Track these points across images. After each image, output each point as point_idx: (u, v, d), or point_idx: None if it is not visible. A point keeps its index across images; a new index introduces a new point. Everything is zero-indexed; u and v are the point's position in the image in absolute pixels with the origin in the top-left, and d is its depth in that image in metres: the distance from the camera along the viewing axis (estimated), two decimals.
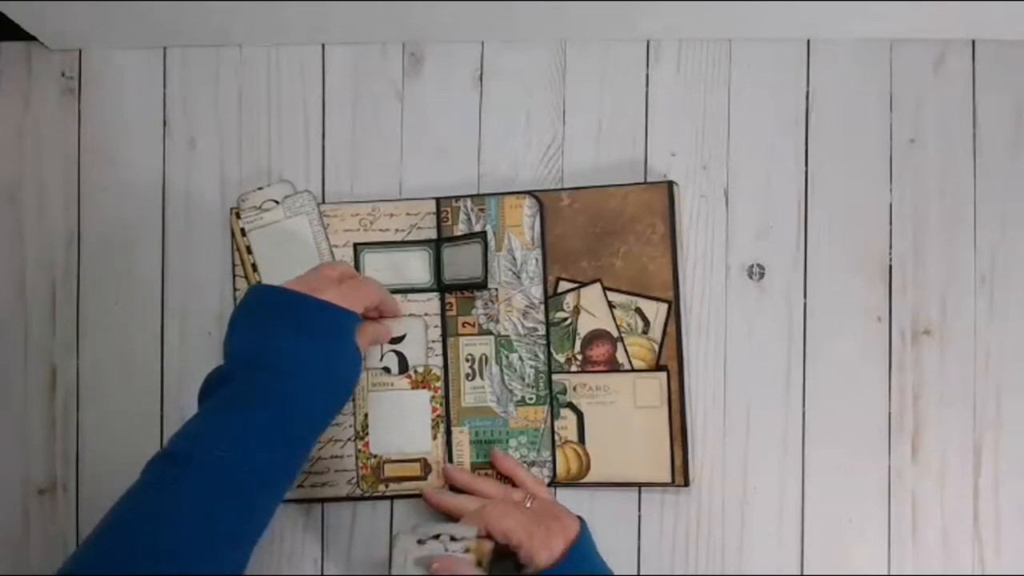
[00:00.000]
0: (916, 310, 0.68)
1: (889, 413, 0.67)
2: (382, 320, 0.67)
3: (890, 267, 0.68)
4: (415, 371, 0.69)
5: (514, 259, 0.67)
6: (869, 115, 0.69)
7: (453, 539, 0.60)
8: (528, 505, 0.63)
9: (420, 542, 0.60)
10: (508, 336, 0.67)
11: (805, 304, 0.68)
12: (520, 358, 0.67)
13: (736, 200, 0.69)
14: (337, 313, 0.59)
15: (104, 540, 0.52)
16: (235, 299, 0.70)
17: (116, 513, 0.53)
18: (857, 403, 0.68)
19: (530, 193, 0.67)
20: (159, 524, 0.52)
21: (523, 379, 0.67)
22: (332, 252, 0.69)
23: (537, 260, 0.67)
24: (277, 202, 0.70)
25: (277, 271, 0.69)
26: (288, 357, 0.56)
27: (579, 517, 0.63)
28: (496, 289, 0.67)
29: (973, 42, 0.69)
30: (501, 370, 0.67)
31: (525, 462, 0.67)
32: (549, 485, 0.67)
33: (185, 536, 0.52)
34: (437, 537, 0.60)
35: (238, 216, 0.69)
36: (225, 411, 0.56)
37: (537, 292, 0.67)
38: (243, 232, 0.69)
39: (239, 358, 0.58)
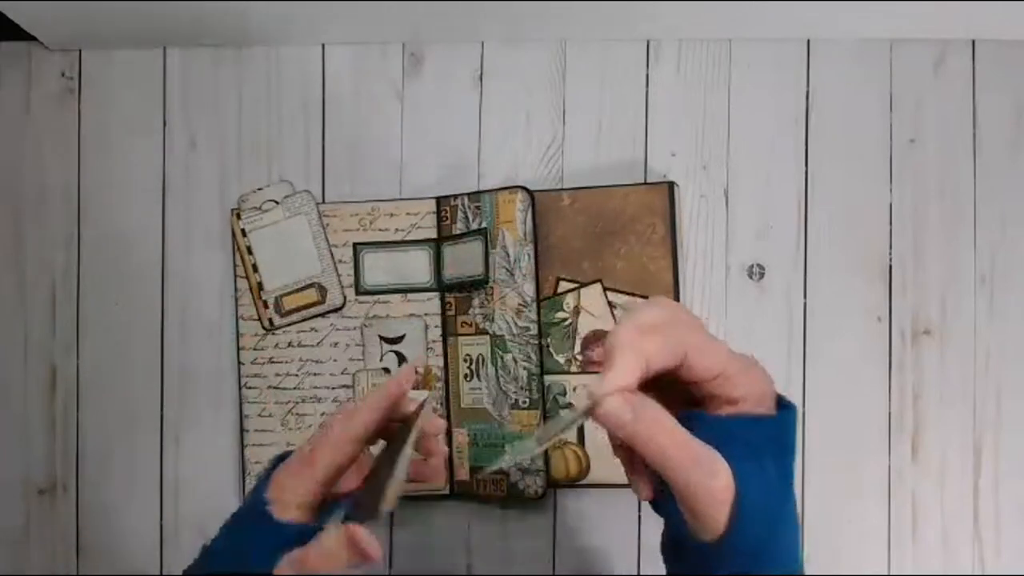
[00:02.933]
0: (916, 310, 0.68)
1: (889, 413, 0.67)
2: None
3: (890, 267, 0.68)
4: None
5: (508, 255, 0.67)
6: (869, 115, 0.69)
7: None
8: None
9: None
10: (502, 336, 0.67)
11: (805, 304, 0.68)
12: (514, 359, 0.67)
13: (736, 200, 0.69)
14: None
15: None
16: (235, 299, 0.70)
17: None
18: (857, 403, 0.68)
19: (522, 187, 0.67)
20: None
21: (516, 381, 0.66)
22: (332, 251, 0.69)
23: (529, 256, 0.66)
24: (277, 202, 0.70)
25: (277, 271, 0.69)
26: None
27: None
28: (491, 287, 0.67)
29: (973, 42, 0.69)
30: (496, 371, 0.67)
31: (519, 469, 0.66)
32: (549, 487, 0.67)
33: None
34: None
35: (238, 216, 0.70)
36: None
37: (530, 290, 0.66)
38: (244, 232, 0.69)
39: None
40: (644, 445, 0.40)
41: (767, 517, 0.40)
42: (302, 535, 0.44)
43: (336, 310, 0.70)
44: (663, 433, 0.40)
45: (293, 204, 0.70)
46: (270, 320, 0.70)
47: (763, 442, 0.41)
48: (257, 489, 0.51)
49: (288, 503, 0.49)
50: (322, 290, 0.69)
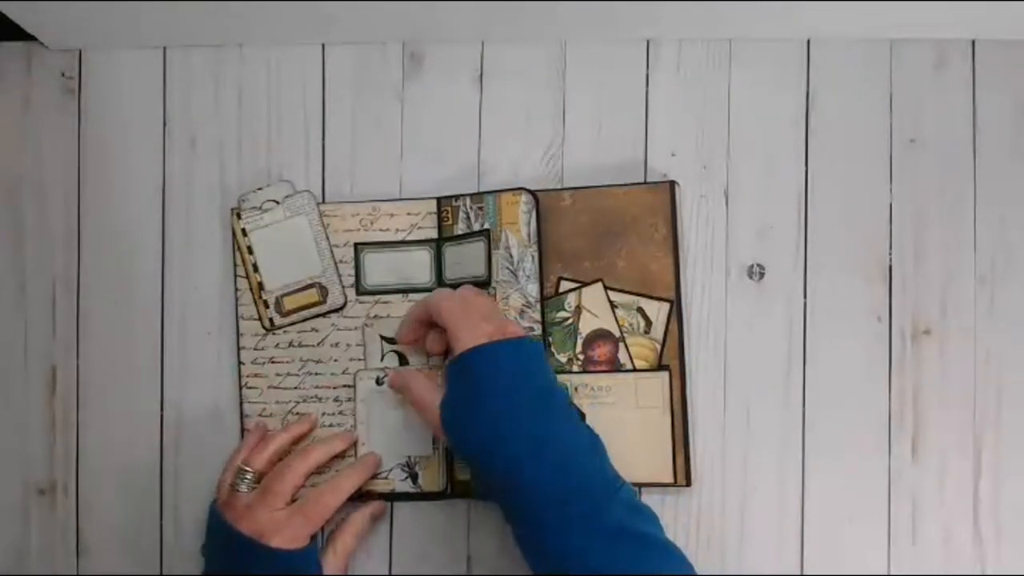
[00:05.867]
0: (916, 310, 0.68)
1: (889, 413, 0.67)
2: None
3: (890, 267, 0.68)
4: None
5: (511, 257, 0.67)
6: (869, 115, 0.69)
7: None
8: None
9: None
10: None
11: (805, 304, 0.68)
12: None
13: (736, 200, 0.69)
14: (287, 559, 0.61)
15: None
16: (236, 299, 0.70)
17: None
18: (857, 403, 0.68)
19: (525, 189, 0.67)
20: None
21: None
22: (332, 251, 0.69)
23: (533, 257, 0.66)
24: (277, 202, 0.70)
25: (278, 271, 0.69)
26: None
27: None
28: (494, 288, 0.67)
29: (973, 42, 0.69)
30: None
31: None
32: None
33: None
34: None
35: (239, 216, 0.70)
36: None
37: (534, 291, 0.66)
38: (244, 232, 0.69)
39: None
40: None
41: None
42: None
43: (337, 310, 0.70)
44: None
45: (294, 204, 0.70)
46: (270, 320, 0.70)
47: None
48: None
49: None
50: (323, 290, 0.69)
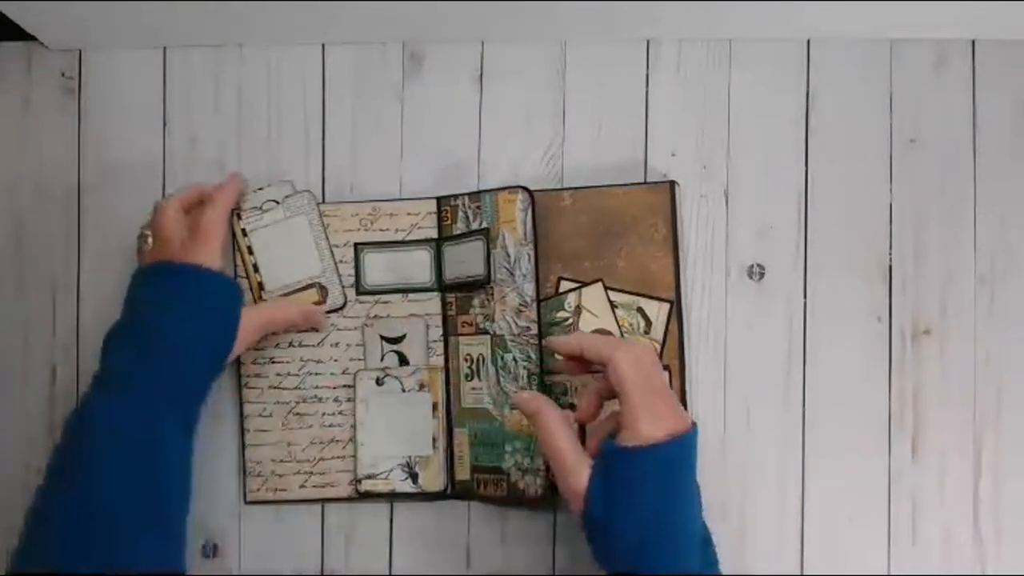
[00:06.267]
0: (916, 310, 0.68)
1: (889, 413, 0.67)
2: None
3: (890, 267, 0.68)
4: (416, 371, 0.69)
5: (508, 256, 0.67)
6: (869, 115, 0.69)
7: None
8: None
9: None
10: (503, 336, 0.67)
11: (805, 304, 0.68)
12: (514, 359, 0.67)
13: (736, 200, 0.69)
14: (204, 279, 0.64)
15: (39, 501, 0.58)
16: None
17: (48, 474, 0.59)
18: (857, 403, 0.68)
19: (522, 187, 0.66)
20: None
21: (517, 380, 0.66)
22: (332, 251, 0.69)
23: (529, 256, 0.66)
24: (277, 202, 0.70)
25: (278, 271, 0.69)
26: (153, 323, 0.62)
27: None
28: (492, 287, 0.67)
29: (973, 42, 0.69)
30: (497, 371, 0.67)
31: (519, 469, 0.66)
32: (549, 487, 0.67)
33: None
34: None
35: (238, 216, 0.70)
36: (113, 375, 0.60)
37: (530, 290, 0.66)
38: (244, 232, 0.69)
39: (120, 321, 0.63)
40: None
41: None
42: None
43: (337, 310, 0.70)
44: None
45: (294, 204, 0.70)
46: None
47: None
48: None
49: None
50: (323, 290, 0.69)
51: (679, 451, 0.55)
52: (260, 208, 0.70)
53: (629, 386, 0.54)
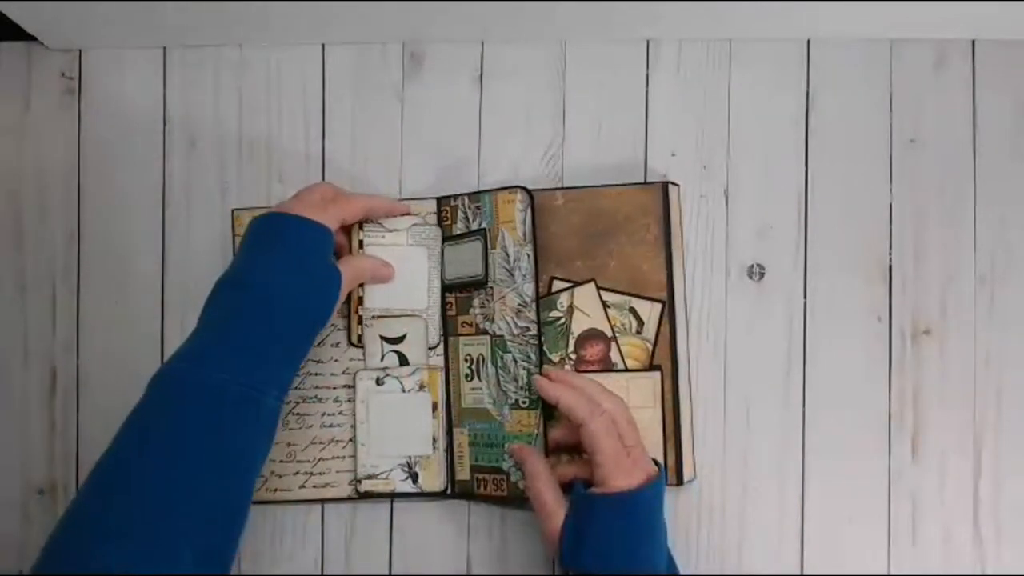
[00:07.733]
0: (916, 310, 0.68)
1: (889, 413, 0.67)
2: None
3: (890, 267, 0.68)
4: (416, 371, 0.69)
5: (507, 256, 0.67)
6: (869, 115, 0.69)
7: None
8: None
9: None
10: (502, 336, 0.67)
11: (805, 304, 0.68)
12: (514, 359, 0.66)
13: (736, 200, 0.69)
14: (304, 227, 0.61)
15: (115, 470, 0.55)
16: None
17: (124, 440, 0.57)
18: (857, 403, 0.68)
19: (521, 187, 0.66)
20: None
21: (516, 381, 0.66)
22: (442, 289, 0.69)
23: (529, 256, 0.66)
24: (402, 228, 0.68)
25: (383, 293, 0.69)
26: (259, 273, 0.60)
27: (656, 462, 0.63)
28: (492, 287, 0.67)
29: (973, 42, 0.69)
30: (496, 371, 0.67)
31: (519, 469, 0.66)
32: None
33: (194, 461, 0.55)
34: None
35: (360, 227, 0.68)
36: (213, 331, 0.59)
37: (529, 290, 0.66)
38: (361, 244, 0.68)
39: (223, 279, 0.61)
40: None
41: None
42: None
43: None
44: None
45: (420, 234, 0.68)
46: (359, 336, 0.68)
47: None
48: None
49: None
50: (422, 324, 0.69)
51: (643, 496, 0.59)
52: (383, 226, 0.69)
53: (601, 457, 0.59)
